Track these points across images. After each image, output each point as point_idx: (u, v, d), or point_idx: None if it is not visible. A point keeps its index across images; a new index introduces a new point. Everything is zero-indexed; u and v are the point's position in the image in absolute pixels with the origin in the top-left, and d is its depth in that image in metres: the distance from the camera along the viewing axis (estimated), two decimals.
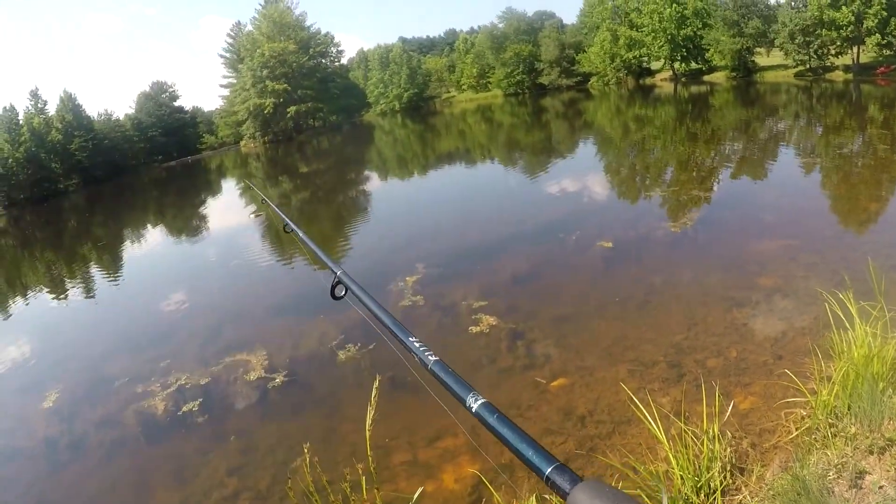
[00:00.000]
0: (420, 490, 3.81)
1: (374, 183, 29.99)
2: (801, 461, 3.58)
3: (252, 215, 23.60)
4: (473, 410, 1.14)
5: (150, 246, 22.78)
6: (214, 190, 41.32)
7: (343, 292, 2.04)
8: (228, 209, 29.00)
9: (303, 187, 31.82)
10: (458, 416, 5.20)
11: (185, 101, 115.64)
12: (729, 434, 4.37)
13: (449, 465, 5.66)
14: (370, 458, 3.27)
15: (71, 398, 9.06)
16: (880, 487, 3.21)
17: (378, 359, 8.20)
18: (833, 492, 3.25)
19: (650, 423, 3.96)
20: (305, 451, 3.17)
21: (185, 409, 7.78)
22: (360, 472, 3.40)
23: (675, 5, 64.75)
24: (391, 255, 13.79)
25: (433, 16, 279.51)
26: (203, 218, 28.55)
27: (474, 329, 8.53)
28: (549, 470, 0.92)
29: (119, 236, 26.98)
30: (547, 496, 4.02)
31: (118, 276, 18.16)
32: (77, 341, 12.20)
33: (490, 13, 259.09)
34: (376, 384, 3.20)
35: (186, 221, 28.01)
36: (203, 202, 35.44)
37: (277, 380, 8.09)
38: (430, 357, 1.36)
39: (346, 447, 6.15)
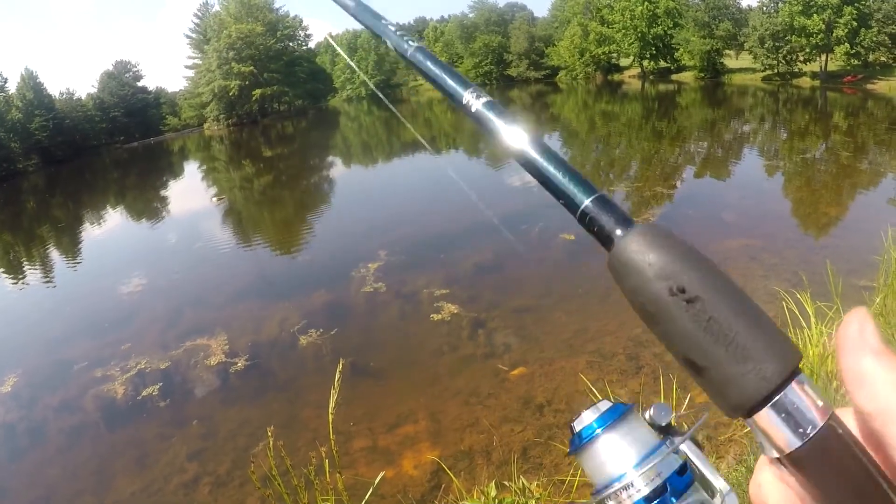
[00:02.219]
0: (381, 475, 3.78)
1: (338, 169, 29.79)
2: (755, 454, 3.66)
3: (214, 199, 23.22)
4: (473, 111, 0.73)
5: (110, 228, 22.26)
6: (177, 173, 40.51)
7: None
8: (190, 193, 28.40)
9: (266, 171, 31.43)
10: (419, 403, 5.20)
11: (149, 82, 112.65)
12: (685, 426, 4.43)
13: (409, 451, 5.67)
14: (332, 442, 3.24)
15: (29, 383, 8.82)
16: None
17: (340, 345, 8.15)
18: None
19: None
20: (269, 434, 3.13)
21: (144, 393, 7.65)
22: (324, 455, 3.36)
23: (646, 3, 65.35)
24: (353, 241, 13.70)
25: (403, 2, 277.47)
26: (165, 201, 27.99)
27: (436, 317, 8.53)
28: (589, 201, 0.55)
29: (79, 218, 26.30)
30: (506, 483, 4.03)
31: (78, 259, 17.73)
32: (36, 325, 11.83)
33: (461, 3, 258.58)
34: (339, 367, 3.17)
35: (148, 204, 27.38)
36: (165, 185, 34.70)
37: (238, 364, 8.00)
38: (409, 42, 0.87)
39: (307, 432, 6.11)
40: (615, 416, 0.62)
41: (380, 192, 20.97)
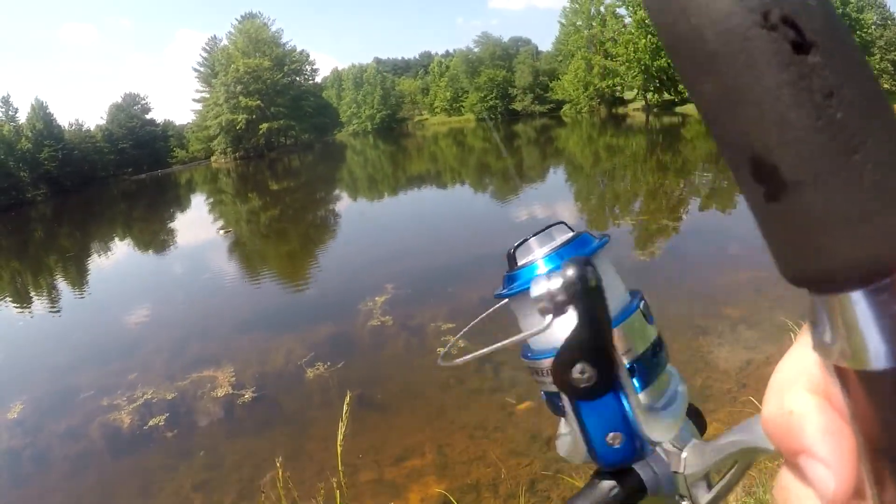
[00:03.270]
0: None
1: (344, 203, 30.00)
2: (764, 486, 3.65)
3: (221, 231, 23.36)
4: None
5: (118, 259, 22.41)
6: (184, 205, 40.84)
7: None
8: (197, 225, 28.66)
9: (272, 205, 31.63)
10: (426, 436, 5.19)
11: (157, 114, 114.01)
12: None
13: (415, 484, 5.63)
14: (341, 474, 3.25)
15: (35, 410, 8.83)
16: None
17: (346, 377, 8.14)
18: None
19: None
20: (278, 465, 3.14)
21: (151, 423, 7.64)
22: (335, 485, 3.36)
23: (650, 36, 66.15)
24: (360, 274, 13.74)
25: (409, 38, 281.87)
26: (172, 233, 28.16)
27: (442, 350, 8.50)
28: None
29: (86, 248, 26.45)
30: None
31: (85, 289, 17.80)
32: (42, 352, 11.86)
33: (466, 37, 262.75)
34: (347, 400, 3.19)
35: (155, 236, 27.56)
36: (172, 217, 35.00)
37: (245, 396, 7.99)
38: None
39: (313, 464, 6.09)
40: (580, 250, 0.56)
41: (386, 226, 21.10)
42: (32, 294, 18.08)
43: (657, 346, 0.55)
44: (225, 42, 78.72)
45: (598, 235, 0.58)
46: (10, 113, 63.26)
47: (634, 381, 0.52)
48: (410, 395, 7.71)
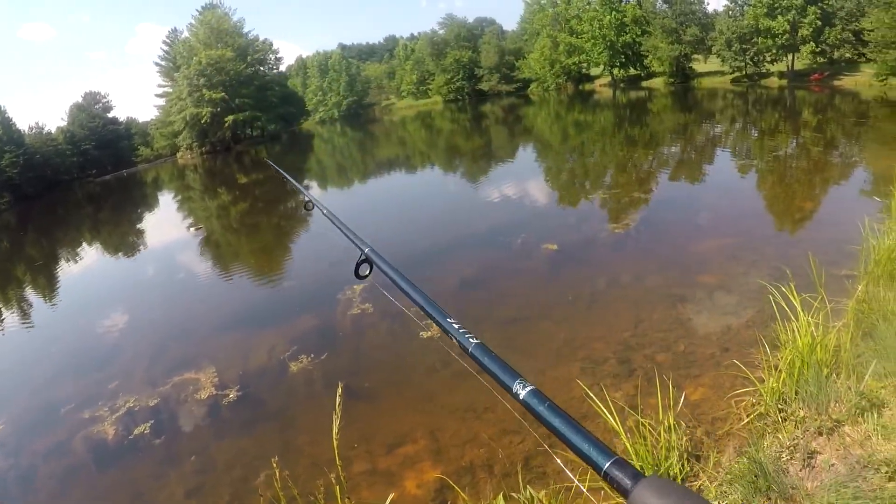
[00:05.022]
0: (391, 497, 3.77)
1: (314, 192, 29.70)
2: (755, 445, 3.71)
3: (192, 229, 23.02)
4: (521, 398, 1.04)
5: (87, 265, 21.88)
6: (151, 204, 40.07)
7: (368, 271, 1.89)
8: (167, 224, 28.15)
9: (242, 198, 31.25)
10: (416, 421, 5.17)
11: (120, 112, 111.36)
12: (683, 424, 4.49)
13: (410, 471, 5.63)
14: (339, 468, 3.22)
15: (16, 429, 8.56)
16: (832, 465, 3.35)
17: (331, 368, 8.11)
18: (787, 472, 3.38)
19: (608, 416, 4.04)
20: (274, 465, 3.10)
21: (136, 432, 7.47)
22: (333, 480, 3.34)
23: (614, 13, 66.53)
24: (336, 264, 13.57)
25: (373, 22, 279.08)
26: (141, 234, 27.60)
27: (425, 334, 8.49)
28: (608, 464, 0.84)
29: (54, 256, 25.82)
30: (514, 494, 4.04)
31: (56, 298, 17.38)
32: (19, 368, 11.50)
33: (430, 20, 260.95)
34: (339, 391, 3.16)
35: (124, 238, 27.01)
36: (140, 217, 34.32)
37: (230, 396, 7.88)
38: (470, 340, 1.23)
39: (305, 459, 6.06)
40: None
41: (358, 213, 20.91)
42: (2, 308, 17.63)
43: None
44: (186, 34, 77.01)
45: None
46: None
47: None
48: (397, 381, 7.69)
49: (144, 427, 7.55)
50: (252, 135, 78.89)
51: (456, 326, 1.28)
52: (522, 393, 1.03)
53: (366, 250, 1.90)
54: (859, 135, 21.64)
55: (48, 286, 18.90)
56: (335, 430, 3.04)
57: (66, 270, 21.29)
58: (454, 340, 1.27)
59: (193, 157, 71.83)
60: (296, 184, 4.02)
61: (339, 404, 3.02)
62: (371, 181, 30.53)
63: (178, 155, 76.56)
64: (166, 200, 40.03)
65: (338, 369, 8.04)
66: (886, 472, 3.12)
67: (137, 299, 14.61)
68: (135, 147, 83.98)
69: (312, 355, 8.45)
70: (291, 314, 10.75)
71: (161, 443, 7.22)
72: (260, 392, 8.05)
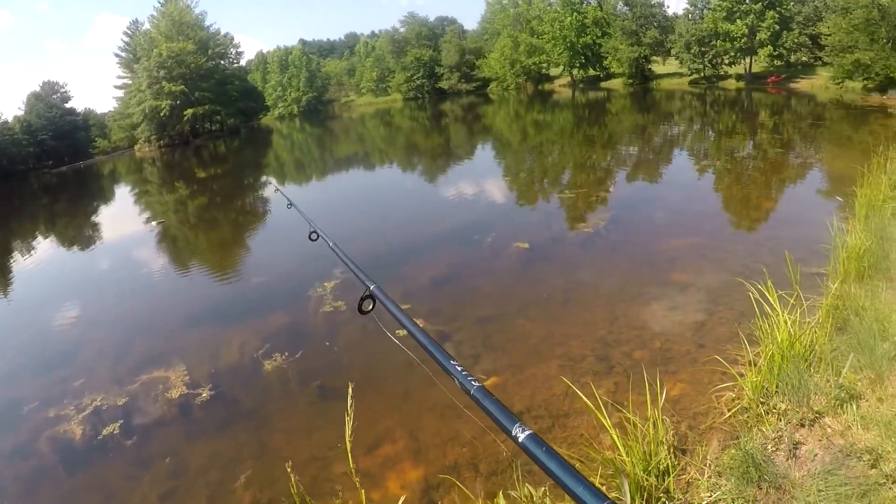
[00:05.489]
0: (402, 499, 3.79)
1: (273, 188, 29.33)
2: (745, 437, 3.85)
3: (153, 222, 22.52)
4: (520, 441, 1.08)
5: (44, 258, 21.09)
6: (109, 197, 38.98)
7: (371, 307, 1.94)
8: (126, 217, 27.38)
9: (200, 193, 30.69)
10: (395, 421, 5.13)
11: (78, 103, 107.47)
12: (666, 419, 4.61)
13: (391, 472, 5.60)
14: (353, 471, 3.23)
15: None
16: (816, 455, 3.51)
17: (305, 367, 8.04)
18: (774, 462, 3.52)
19: (597, 412, 4.12)
20: (289, 469, 3.08)
21: (105, 432, 7.23)
22: (347, 484, 3.33)
23: (575, 14, 67.32)
24: (304, 260, 13.45)
25: (334, 18, 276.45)
26: (99, 227, 26.79)
27: (401, 332, 8.42)
28: None
29: (8, 248, 24.97)
30: (513, 493, 4.09)
31: (12, 292, 16.79)
32: None
33: (391, 17, 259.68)
34: (350, 392, 3.17)
35: (80, 230, 26.23)
36: (97, 210, 33.33)
37: (203, 395, 7.73)
38: (472, 383, 1.29)
39: (281, 461, 5.91)
40: None
41: (319, 210, 20.71)
42: None
43: None
44: (147, 26, 75.23)
45: None
46: None
47: None
48: (373, 380, 7.64)
49: (114, 427, 7.33)
50: (211, 129, 77.70)
51: (459, 369, 1.36)
52: (521, 436, 1.09)
53: (371, 287, 1.91)
54: (816, 136, 22.43)
55: (2, 279, 18.27)
56: (348, 431, 3.05)
57: (22, 264, 20.58)
58: (456, 382, 1.34)
59: (151, 151, 70.38)
60: (302, 213, 4.04)
61: (350, 405, 3.04)
62: (330, 178, 30.30)
63: (136, 148, 74.96)
64: (123, 193, 39.03)
65: (312, 368, 7.98)
66: (868, 460, 3.29)
67: (98, 294, 14.20)
68: (92, 139, 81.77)
69: (286, 354, 8.36)
70: (261, 311, 10.60)
71: (132, 443, 7.02)
72: (234, 391, 7.91)
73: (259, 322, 10.01)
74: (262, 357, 8.39)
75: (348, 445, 3.14)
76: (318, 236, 3.20)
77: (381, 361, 8.06)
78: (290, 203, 5.16)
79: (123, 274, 16.17)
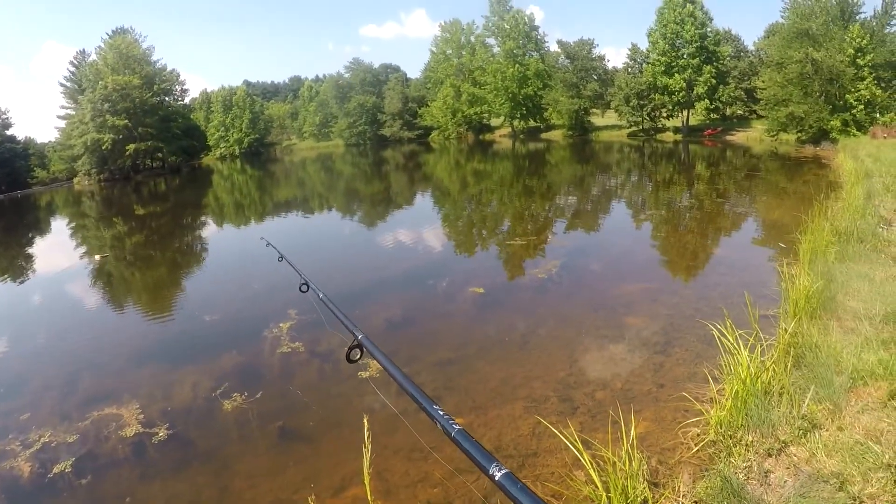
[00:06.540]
0: None
1: (211, 229, 28.85)
2: (721, 465, 4.08)
3: (97, 257, 21.77)
4: (496, 479, 1.20)
5: None
6: (44, 229, 37.36)
7: (358, 356, 2.06)
8: (63, 250, 26.27)
9: (137, 230, 29.87)
10: (361, 463, 5.10)
11: (19, 130, 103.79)
12: (639, 454, 4.80)
13: None
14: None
15: None
16: (786, 482, 3.77)
17: (265, 408, 7.92)
18: (747, 490, 3.75)
19: (573, 447, 4.27)
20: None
21: (56, 470, 6.90)
22: None
23: (517, 66, 69.47)
24: (257, 301, 13.37)
25: (279, 61, 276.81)
26: (35, 258, 25.67)
27: (362, 374, 8.51)
28: None
29: None
30: None
31: None
32: None
33: (336, 63, 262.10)
34: (366, 426, 3.24)
35: (13, 262, 25.09)
36: (33, 241, 31.97)
37: (160, 434, 7.50)
38: (454, 426, 1.42)
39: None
40: None
41: (262, 253, 20.39)
42: None
43: None
44: (94, 57, 74.04)
45: None
46: None
47: None
48: (335, 421, 7.59)
49: (65, 465, 7.00)
50: (152, 166, 76.19)
51: (441, 413, 1.49)
52: (498, 475, 1.21)
53: (359, 336, 2.03)
54: (752, 187, 23.76)
55: None
56: (366, 464, 3.11)
57: None
58: (438, 425, 1.46)
59: (91, 184, 68.39)
60: (294, 266, 4.16)
61: (367, 438, 3.11)
62: (268, 221, 30.05)
63: (76, 180, 72.84)
64: (60, 226, 37.59)
65: (273, 409, 7.87)
66: (836, 483, 3.56)
67: (38, 327, 13.52)
68: (31, 168, 78.87)
69: (246, 394, 8.23)
70: (213, 350, 10.37)
71: (86, 483, 6.71)
72: (191, 431, 7.70)
73: (213, 361, 9.80)
74: (220, 396, 8.23)
75: (367, 479, 3.19)
76: (308, 288, 3.35)
77: (343, 404, 8.02)
78: (280, 256, 5.26)
79: (65, 307, 15.53)
